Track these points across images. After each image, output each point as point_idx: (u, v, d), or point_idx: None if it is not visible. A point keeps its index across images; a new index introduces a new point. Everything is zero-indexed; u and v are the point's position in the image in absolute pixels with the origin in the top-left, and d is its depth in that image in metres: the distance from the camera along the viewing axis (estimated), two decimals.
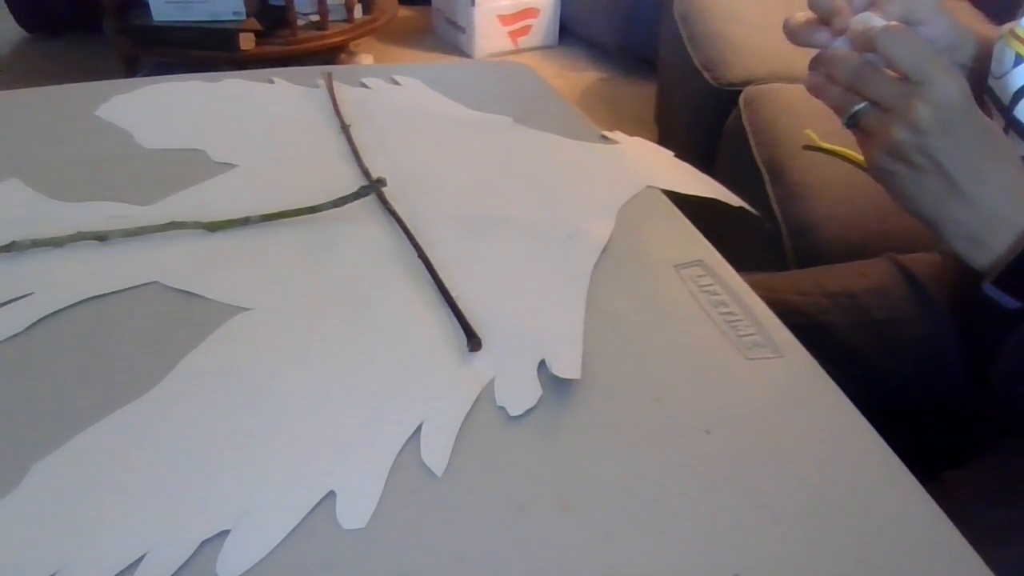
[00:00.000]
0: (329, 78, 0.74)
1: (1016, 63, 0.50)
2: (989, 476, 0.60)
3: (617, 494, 0.37)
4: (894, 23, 0.44)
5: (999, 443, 0.60)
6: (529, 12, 2.56)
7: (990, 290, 0.44)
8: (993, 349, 0.57)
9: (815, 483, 0.38)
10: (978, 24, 0.57)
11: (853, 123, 0.47)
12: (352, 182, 0.59)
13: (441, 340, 0.45)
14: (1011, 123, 0.51)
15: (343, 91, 0.73)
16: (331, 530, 0.35)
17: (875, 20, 0.45)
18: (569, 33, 2.67)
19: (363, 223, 0.55)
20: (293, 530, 0.35)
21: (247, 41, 1.93)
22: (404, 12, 2.64)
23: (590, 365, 0.44)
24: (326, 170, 0.62)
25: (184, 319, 0.46)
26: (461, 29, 2.54)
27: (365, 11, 2.21)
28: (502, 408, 0.41)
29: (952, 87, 0.42)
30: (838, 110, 0.48)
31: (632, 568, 0.34)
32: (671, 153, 0.69)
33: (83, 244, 0.51)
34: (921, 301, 0.63)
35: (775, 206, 1.02)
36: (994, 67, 0.52)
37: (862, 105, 0.46)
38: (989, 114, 0.55)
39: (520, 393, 0.42)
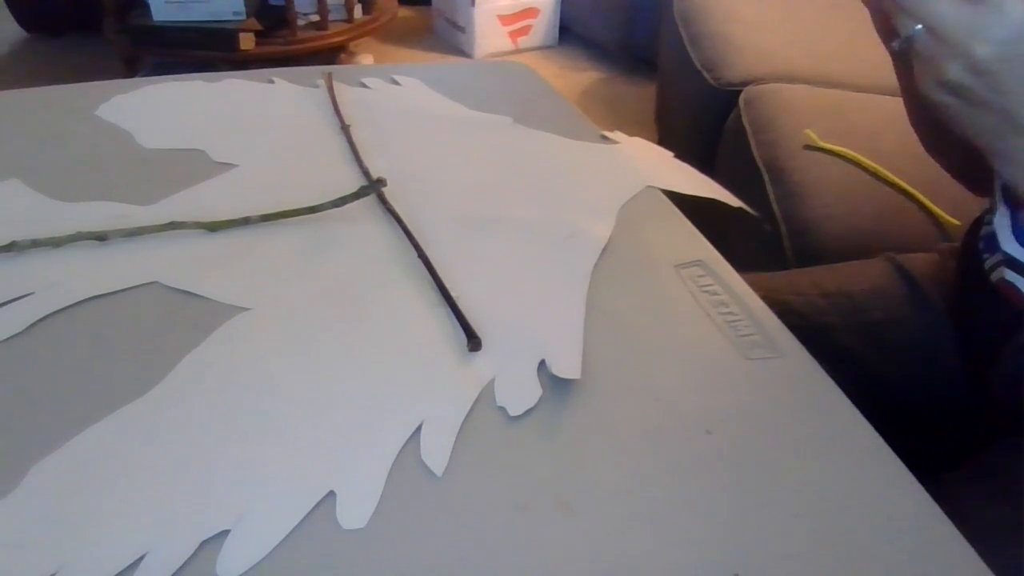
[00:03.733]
0: (329, 78, 0.74)
1: None
2: (989, 476, 0.60)
3: (617, 494, 0.37)
4: None
5: (999, 443, 0.60)
6: (529, 12, 2.56)
7: None
8: (991, 351, 0.57)
9: (815, 483, 0.38)
10: None
11: (905, 47, 0.41)
12: (352, 182, 0.59)
13: (441, 340, 0.45)
14: None
15: (343, 91, 0.73)
16: (331, 530, 0.35)
17: None
18: (569, 33, 2.67)
19: (363, 223, 0.55)
20: (293, 530, 0.35)
21: (247, 41, 1.93)
22: (404, 12, 2.64)
23: (590, 365, 0.44)
24: (326, 170, 0.62)
25: (184, 319, 0.46)
26: (461, 29, 2.54)
27: (365, 11, 2.21)
28: (502, 408, 0.41)
29: None
30: (887, 31, 0.42)
31: (632, 568, 0.34)
32: (671, 153, 0.69)
33: (83, 244, 0.51)
34: (918, 301, 0.62)
35: (775, 206, 1.02)
36: None
37: (917, 28, 0.39)
38: None
39: (520, 393, 0.42)
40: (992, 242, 0.56)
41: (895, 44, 0.41)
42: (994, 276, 0.56)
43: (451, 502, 0.36)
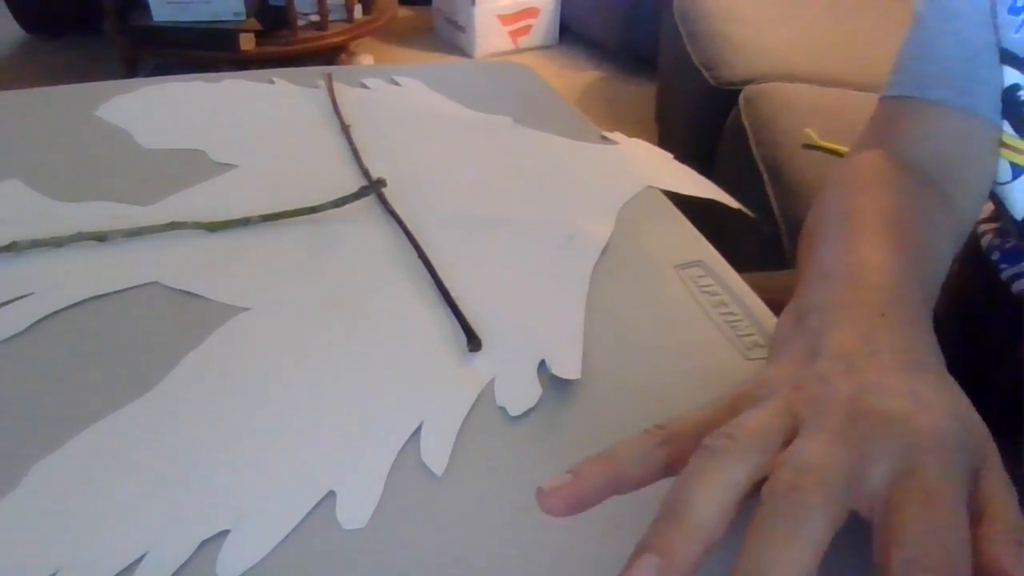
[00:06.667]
0: (329, 78, 0.74)
1: (1016, 174, 0.51)
2: None
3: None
4: None
5: (1000, 444, 0.60)
6: (529, 12, 2.56)
7: None
8: (996, 354, 0.57)
9: None
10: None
11: None
12: (352, 182, 0.59)
13: (441, 340, 0.45)
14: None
15: (343, 91, 0.73)
16: (331, 530, 0.35)
17: None
18: (569, 33, 2.67)
19: (363, 223, 0.55)
20: (293, 530, 0.35)
21: (247, 41, 1.93)
22: (404, 12, 2.65)
23: (590, 365, 0.44)
24: (326, 170, 0.62)
25: (184, 319, 0.46)
26: (461, 29, 2.54)
27: (365, 11, 2.22)
28: (502, 408, 0.41)
29: None
30: None
31: None
32: (670, 155, 0.69)
33: (83, 244, 0.51)
34: None
35: (775, 205, 1.02)
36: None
37: None
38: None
39: (520, 393, 0.42)
40: (1018, 257, 0.56)
41: None
42: (1015, 287, 0.56)
43: (451, 502, 0.36)
